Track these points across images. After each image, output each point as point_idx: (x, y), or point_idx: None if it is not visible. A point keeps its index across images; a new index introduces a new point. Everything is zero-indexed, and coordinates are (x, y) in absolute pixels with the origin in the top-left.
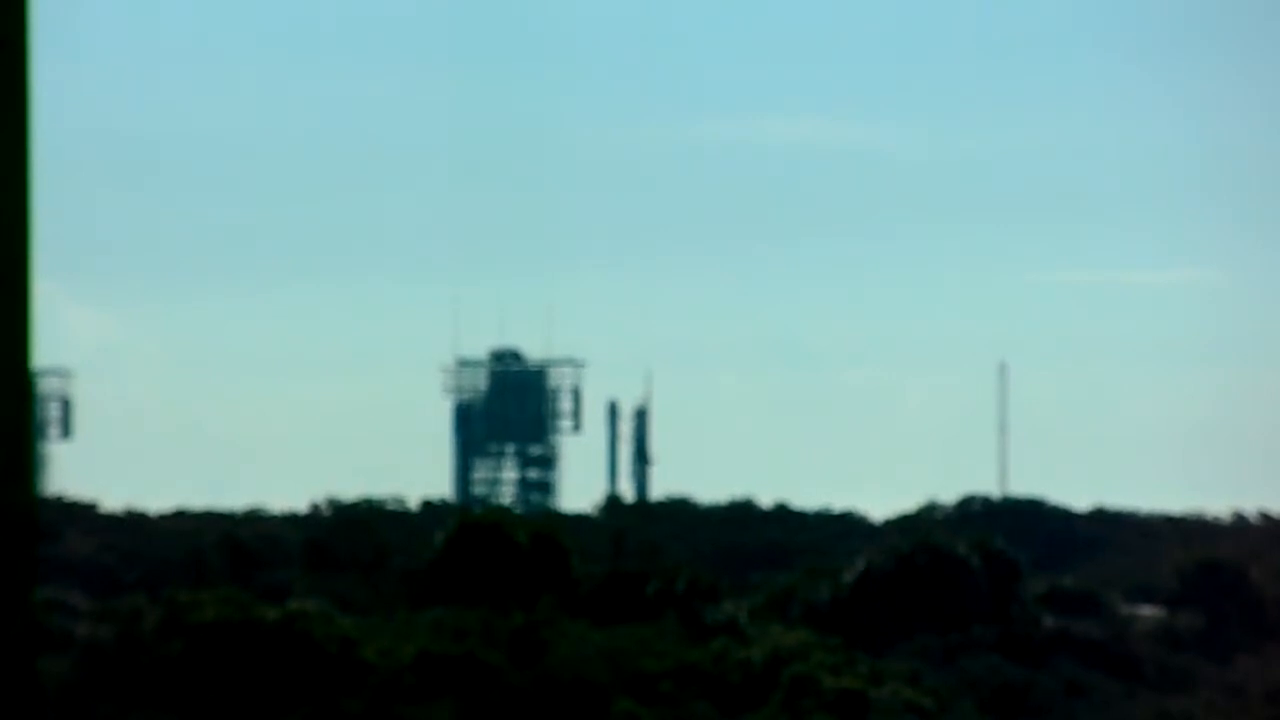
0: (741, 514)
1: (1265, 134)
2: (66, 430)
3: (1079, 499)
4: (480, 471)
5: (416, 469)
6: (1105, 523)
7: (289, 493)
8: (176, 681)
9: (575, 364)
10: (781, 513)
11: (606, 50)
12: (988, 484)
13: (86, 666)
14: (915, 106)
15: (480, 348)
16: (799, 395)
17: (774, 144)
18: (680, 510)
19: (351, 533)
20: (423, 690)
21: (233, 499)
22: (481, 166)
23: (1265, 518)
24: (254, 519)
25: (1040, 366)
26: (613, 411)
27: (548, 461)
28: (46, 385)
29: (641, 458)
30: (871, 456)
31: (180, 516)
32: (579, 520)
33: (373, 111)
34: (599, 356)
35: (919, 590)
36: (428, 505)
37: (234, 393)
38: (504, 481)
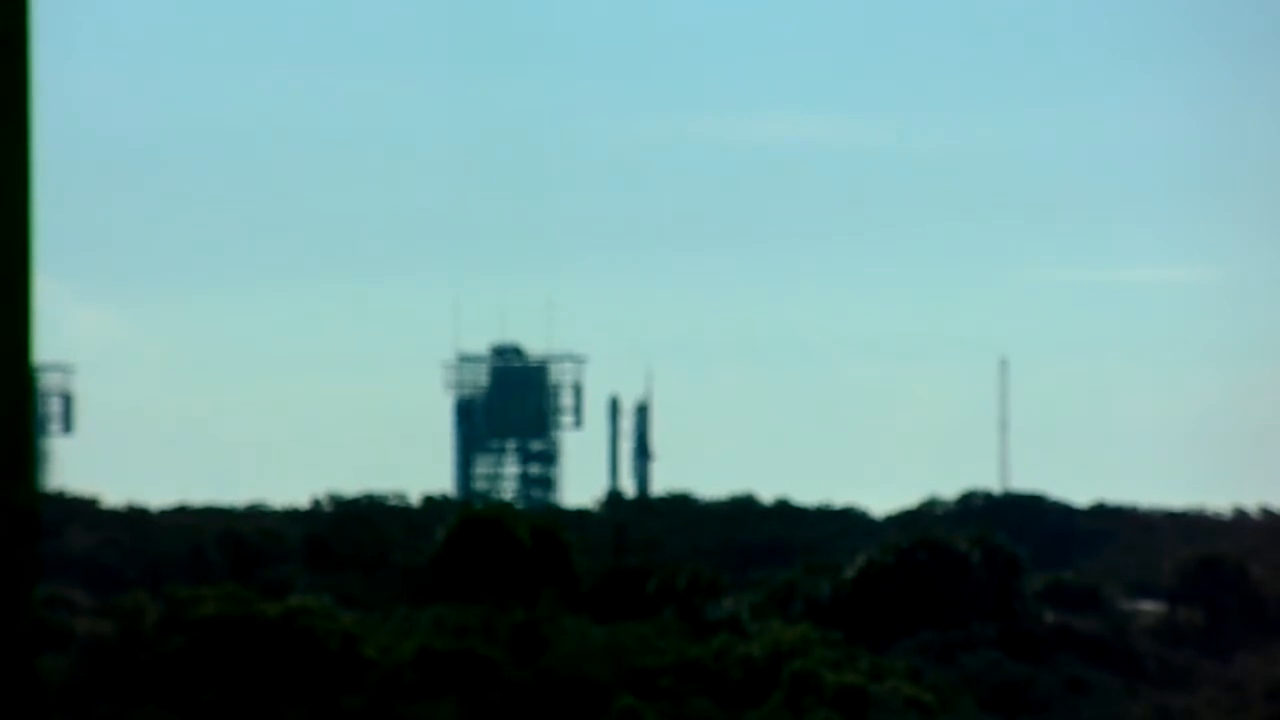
0: (742, 510)
1: (1265, 133)
2: (68, 426)
3: (1080, 494)
4: (481, 467)
5: (417, 465)
6: (1106, 518)
7: (290, 488)
8: (177, 678)
9: (576, 359)
10: (782, 508)
11: (606, 47)
12: (988, 480)
13: (87, 663)
14: (916, 103)
15: (481, 343)
16: (800, 391)
17: (774, 140)
18: (681, 506)
19: (352, 529)
20: (424, 687)
21: (234, 495)
22: (482, 163)
23: (1266, 513)
24: (255, 515)
25: (1041, 363)
26: (614, 407)
27: (549, 457)
28: (48, 381)
29: (642, 453)
30: (872, 452)
31: (181, 512)
32: (580, 516)
33: (373, 109)
34: (600, 352)
35: (920, 586)
36: (429, 501)
37: (235, 388)
38: (505, 477)
